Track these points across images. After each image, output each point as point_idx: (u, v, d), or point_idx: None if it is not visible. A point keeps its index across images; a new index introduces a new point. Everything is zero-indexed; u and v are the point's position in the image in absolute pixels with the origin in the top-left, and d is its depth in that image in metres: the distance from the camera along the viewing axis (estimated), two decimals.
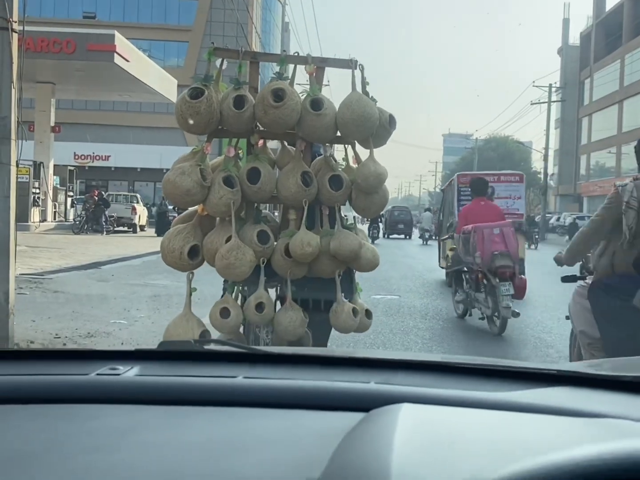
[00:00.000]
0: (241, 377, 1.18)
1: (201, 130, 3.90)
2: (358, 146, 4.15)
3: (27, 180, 23.62)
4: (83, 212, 26.90)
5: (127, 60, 21.46)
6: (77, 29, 25.17)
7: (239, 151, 4.17)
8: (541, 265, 14.74)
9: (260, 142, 4.15)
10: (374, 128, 3.96)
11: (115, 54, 21.06)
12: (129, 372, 1.20)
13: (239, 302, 4.00)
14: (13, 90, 5.71)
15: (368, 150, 4.07)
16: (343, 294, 4.07)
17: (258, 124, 4.01)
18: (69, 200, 29.74)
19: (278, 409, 1.07)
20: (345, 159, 4.31)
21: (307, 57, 4.10)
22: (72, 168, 31.65)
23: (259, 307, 3.85)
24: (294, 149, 4.11)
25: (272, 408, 1.07)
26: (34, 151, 24.82)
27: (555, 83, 52.81)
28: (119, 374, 1.19)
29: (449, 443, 0.89)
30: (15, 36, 5.74)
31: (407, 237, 37.98)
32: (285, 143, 4.26)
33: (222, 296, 3.98)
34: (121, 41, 21.84)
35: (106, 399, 1.09)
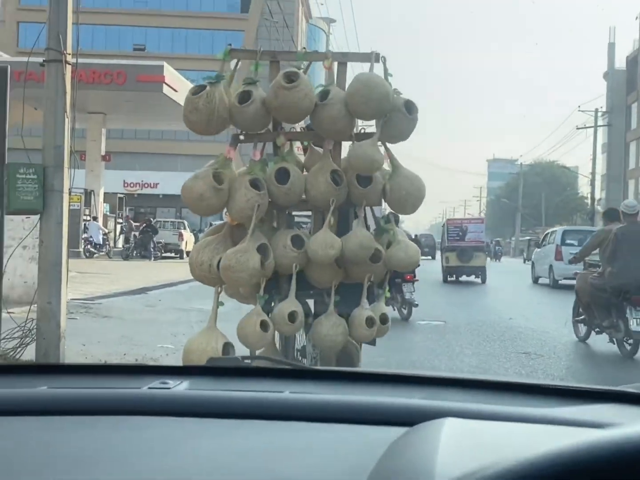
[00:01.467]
0: (287, 392, 1.20)
1: (203, 128, 3.77)
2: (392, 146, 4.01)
3: (78, 208, 24.19)
4: (131, 239, 27.46)
5: (176, 91, 21.89)
6: (128, 61, 25.79)
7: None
8: None
9: (287, 144, 4.05)
10: (383, 104, 3.77)
11: (164, 85, 21.51)
12: (179, 387, 1.24)
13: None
14: (66, 120, 5.90)
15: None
16: (367, 301, 3.93)
17: (273, 115, 3.86)
18: (118, 227, 30.32)
19: (323, 423, 1.09)
20: None
21: (327, 53, 4.06)
22: (121, 195, 32.33)
23: (291, 316, 3.71)
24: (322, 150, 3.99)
25: (318, 422, 1.09)
26: (85, 179, 25.41)
27: (601, 107, 52.07)
28: (169, 388, 1.22)
29: (494, 456, 0.90)
30: (68, 68, 5.94)
31: (432, 257, 41.12)
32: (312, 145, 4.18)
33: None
34: (170, 72, 22.32)
35: (158, 412, 1.12)
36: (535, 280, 21.32)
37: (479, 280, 20.16)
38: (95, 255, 24.61)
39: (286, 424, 1.09)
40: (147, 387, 1.22)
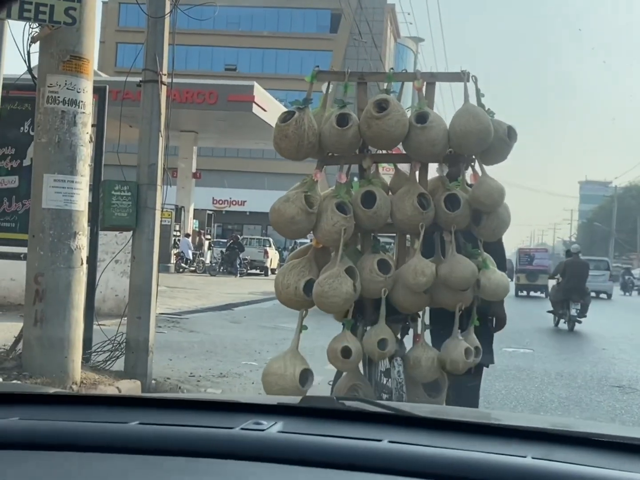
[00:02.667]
0: (386, 441, 1.13)
1: (293, 155, 3.76)
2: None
3: (169, 224, 24.87)
4: (219, 255, 27.99)
5: (265, 110, 22.29)
6: (219, 81, 26.49)
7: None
8: None
9: (373, 166, 3.98)
10: (488, 140, 3.72)
11: (254, 104, 21.94)
12: (273, 428, 1.19)
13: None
14: (161, 139, 6.05)
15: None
16: (460, 330, 3.81)
17: (367, 144, 3.84)
18: (207, 243, 31.00)
19: (426, 479, 1.01)
20: (461, 179, 4.08)
21: (416, 73, 3.95)
22: (210, 212, 33.05)
23: (382, 343, 3.63)
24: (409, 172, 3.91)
25: (419, 478, 1.02)
26: (176, 196, 26.14)
27: None
28: (263, 430, 1.17)
29: None
30: (164, 88, 6.10)
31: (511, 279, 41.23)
32: (399, 167, 4.10)
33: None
34: (259, 92, 22.75)
35: (252, 456, 1.07)
36: None
37: (543, 295, 25.29)
38: (185, 271, 25.11)
39: (386, 477, 1.02)
40: (240, 428, 1.17)
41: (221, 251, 28.48)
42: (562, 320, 14.47)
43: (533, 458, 1.08)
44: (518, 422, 1.53)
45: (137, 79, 6.22)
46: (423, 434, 1.23)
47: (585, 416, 6.12)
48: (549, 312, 15.11)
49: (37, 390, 2.31)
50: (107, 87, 6.42)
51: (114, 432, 1.15)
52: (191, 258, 26.16)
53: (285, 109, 3.92)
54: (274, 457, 1.07)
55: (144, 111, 6.06)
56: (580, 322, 14.15)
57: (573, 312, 14.03)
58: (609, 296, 29.82)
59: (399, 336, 3.96)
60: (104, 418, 1.24)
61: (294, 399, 1.39)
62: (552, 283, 16.21)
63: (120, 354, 6.01)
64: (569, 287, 14.22)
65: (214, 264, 27.82)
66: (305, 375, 3.72)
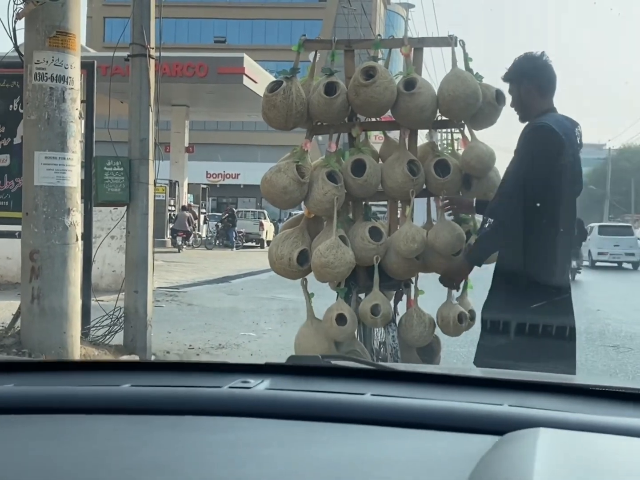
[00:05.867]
0: (369, 395, 1.17)
1: (281, 124, 3.76)
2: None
3: (164, 198, 24.79)
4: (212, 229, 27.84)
5: (255, 82, 22.13)
6: (209, 54, 26.25)
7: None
8: None
9: (362, 134, 3.98)
10: (477, 104, 3.72)
11: (244, 76, 21.79)
12: (260, 386, 1.22)
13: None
14: (151, 114, 6.04)
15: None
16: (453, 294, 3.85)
17: (355, 112, 3.84)
18: (202, 217, 30.98)
19: (407, 429, 1.05)
20: (450, 144, 4.09)
21: (403, 39, 3.94)
22: (204, 186, 32.98)
23: (375, 309, 3.69)
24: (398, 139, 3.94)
25: (400, 427, 1.05)
26: (169, 170, 26.05)
27: None
28: (250, 387, 1.21)
29: (590, 471, 0.86)
30: (152, 62, 6.07)
31: None
32: (388, 134, 4.11)
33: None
34: (249, 64, 22.57)
35: (238, 412, 1.11)
36: None
37: None
38: (183, 245, 24.87)
39: (368, 428, 1.06)
40: (228, 387, 1.21)
41: (216, 224, 28.48)
42: None
43: (509, 405, 1.13)
44: (502, 375, 1.58)
45: (126, 53, 6.19)
46: (404, 387, 1.27)
47: (580, 376, 6.20)
48: None
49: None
50: (95, 62, 6.38)
51: (106, 395, 1.19)
52: (189, 231, 25.72)
53: None
54: (261, 413, 1.10)
55: (133, 86, 6.04)
56: (580, 272, 17.80)
57: (574, 264, 16.40)
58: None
59: (392, 302, 4.01)
60: (97, 382, 1.28)
61: (280, 359, 1.44)
62: None
63: (119, 329, 6.07)
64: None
65: (209, 238, 27.83)
66: (336, 347, 3.78)
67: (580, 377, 2.86)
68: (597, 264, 24.47)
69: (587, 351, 7.47)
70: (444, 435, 1.02)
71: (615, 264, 24.88)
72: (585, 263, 21.89)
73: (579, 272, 17.62)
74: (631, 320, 10.17)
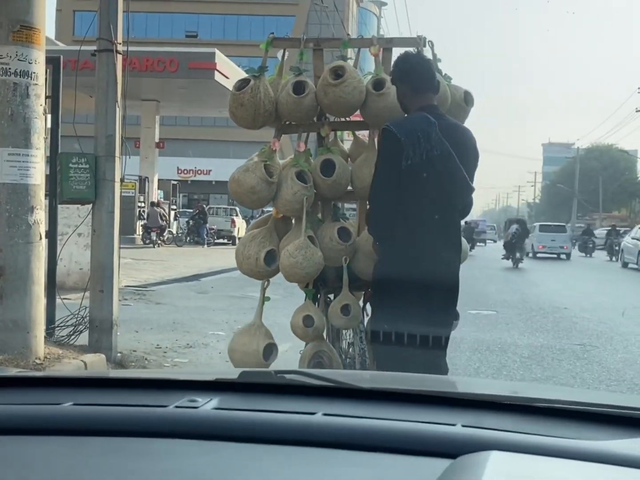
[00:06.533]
0: (320, 414, 1.13)
1: (249, 123, 3.72)
2: None
3: (133, 195, 24.53)
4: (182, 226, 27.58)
5: (227, 78, 21.98)
6: (180, 48, 26.05)
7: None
8: None
9: (331, 134, 3.95)
10: (445, 105, 3.67)
11: (216, 72, 21.64)
12: (208, 405, 1.18)
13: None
14: (118, 110, 5.95)
15: None
16: None
17: (324, 112, 3.81)
18: (172, 213, 30.72)
19: (358, 452, 1.02)
20: None
21: (372, 39, 3.90)
22: (175, 182, 32.71)
23: (345, 309, 3.66)
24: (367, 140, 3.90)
25: (351, 450, 1.02)
26: (139, 166, 25.79)
27: None
28: (197, 407, 1.17)
29: None
30: (119, 57, 5.98)
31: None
32: (357, 134, 4.07)
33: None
34: (221, 59, 22.42)
35: (185, 434, 1.07)
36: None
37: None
38: (158, 241, 24.55)
39: (317, 450, 1.02)
40: (174, 406, 1.17)
41: (187, 221, 28.25)
42: (510, 261, 23.49)
43: (463, 426, 1.09)
44: (459, 388, 1.55)
45: (94, 48, 6.09)
46: (358, 405, 1.23)
47: (547, 375, 6.26)
48: (502, 258, 24.10)
49: None
50: (61, 57, 6.26)
51: (46, 414, 1.14)
52: (161, 229, 25.39)
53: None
54: (207, 435, 1.06)
55: (99, 81, 5.94)
56: (522, 262, 23.65)
57: (517, 255, 23.47)
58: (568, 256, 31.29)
59: (361, 303, 3.99)
60: (38, 399, 1.23)
61: (233, 374, 1.39)
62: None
63: (84, 328, 5.97)
64: (515, 242, 23.76)
65: (180, 235, 27.61)
66: (270, 349, 3.75)
67: (545, 389, 2.84)
68: (538, 255, 31.02)
69: (554, 350, 7.55)
70: (397, 459, 0.99)
71: (555, 255, 30.94)
72: (530, 255, 29.41)
73: (522, 262, 23.59)
74: (597, 318, 10.29)
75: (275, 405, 1.19)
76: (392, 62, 3.47)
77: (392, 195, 3.20)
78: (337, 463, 1.00)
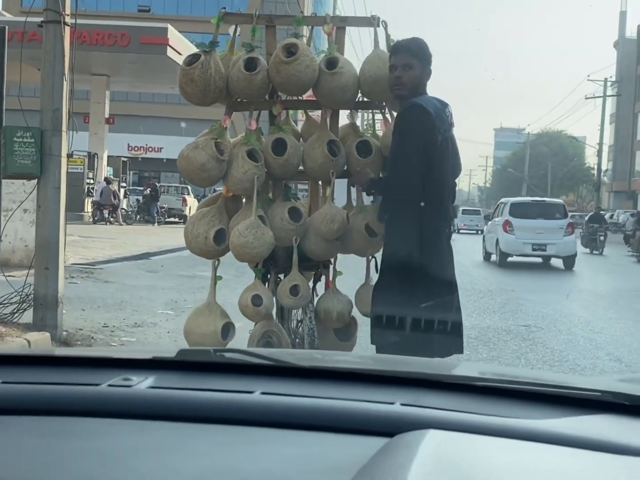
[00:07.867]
0: (258, 393, 1.12)
1: (200, 100, 3.67)
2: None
3: (82, 171, 24.06)
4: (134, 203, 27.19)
5: (180, 54, 21.60)
6: (132, 23, 25.51)
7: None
8: None
9: (283, 113, 3.92)
10: None
11: (168, 47, 21.28)
12: (142, 384, 1.15)
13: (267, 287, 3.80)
14: (65, 83, 5.80)
15: None
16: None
17: (277, 90, 3.79)
18: (122, 191, 30.24)
19: (295, 430, 1.01)
20: (372, 125, 4.08)
21: (326, 17, 3.89)
22: (125, 159, 32.13)
23: (294, 289, 3.66)
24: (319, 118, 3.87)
25: (288, 429, 1.01)
26: (88, 142, 25.27)
27: (611, 77, 51.38)
28: (131, 386, 1.14)
29: (469, 475, 0.85)
30: (67, 29, 5.82)
31: None
32: (310, 113, 4.07)
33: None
34: (174, 34, 22.05)
35: (116, 413, 1.04)
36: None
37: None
38: (110, 218, 24.13)
39: (254, 430, 1.01)
40: (107, 385, 1.14)
41: (137, 199, 27.84)
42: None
43: (401, 405, 1.09)
44: (401, 367, 1.56)
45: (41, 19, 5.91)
46: (298, 384, 1.23)
47: (492, 355, 6.38)
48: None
49: None
50: (6, 27, 6.07)
51: None
52: (116, 206, 24.95)
53: None
54: (141, 414, 1.04)
55: (46, 54, 5.78)
56: (451, 238, 24.79)
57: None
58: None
59: (311, 283, 3.99)
60: None
61: (172, 353, 1.36)
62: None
63: (29, 306, 5.85)
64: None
65: (130, 212, 27.21)
66: (227, 328, 3.73)
67: (488, 367, 2.90)
68: (460, 231, 38.60)
69: (500, 331, 7.70)
70: (334, 438, 0.99)
71: (474, 232, 38.33)
72: (456, 231, 31.84)
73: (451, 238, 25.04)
74: (542, 300, 10.52)
75: (212, 384, 1.17)
76: (420, 43, 3.50)
77: (423, 168, 3.32)
78: (273, 442, 0.99)
